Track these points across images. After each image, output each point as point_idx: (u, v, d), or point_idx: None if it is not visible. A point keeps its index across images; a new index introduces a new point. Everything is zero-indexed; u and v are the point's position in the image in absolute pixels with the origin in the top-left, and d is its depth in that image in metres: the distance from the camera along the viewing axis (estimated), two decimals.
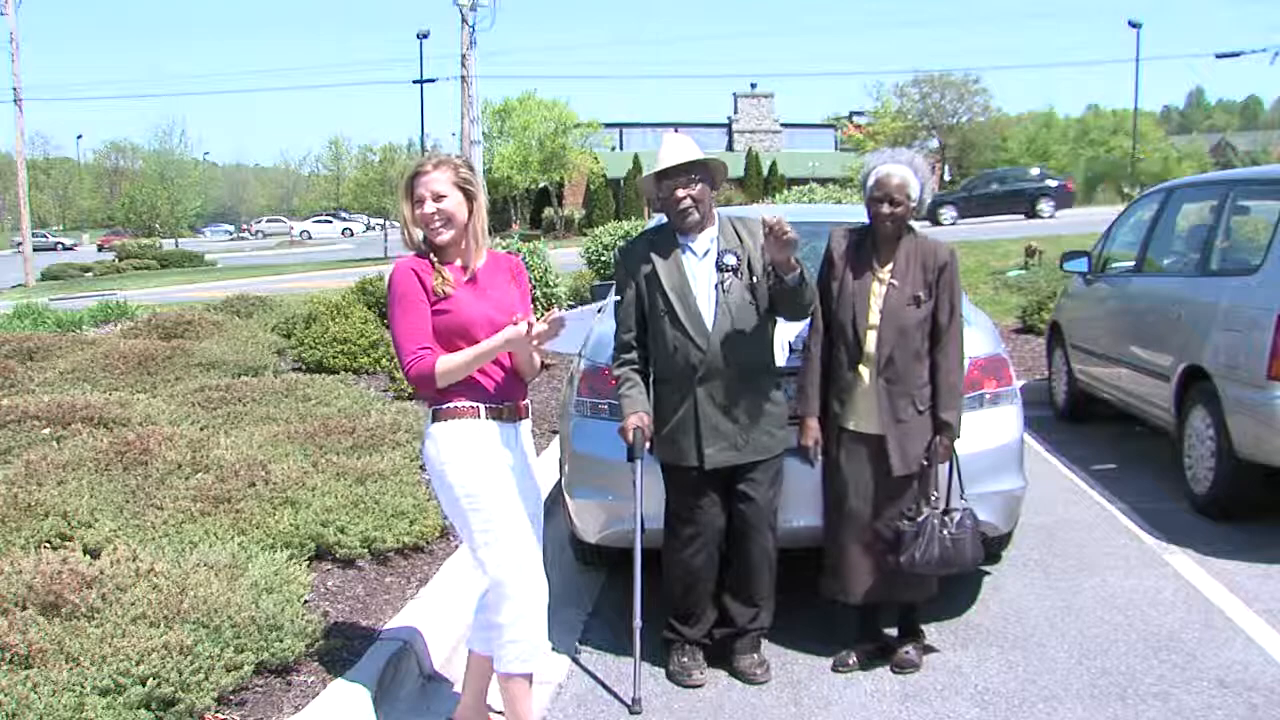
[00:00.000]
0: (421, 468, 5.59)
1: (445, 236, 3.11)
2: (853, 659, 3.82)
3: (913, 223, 3.78)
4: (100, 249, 51.51)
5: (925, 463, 3.70)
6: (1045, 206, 29.88)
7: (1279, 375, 4.80)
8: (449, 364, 3.08)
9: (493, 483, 3.12)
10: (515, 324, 3.06)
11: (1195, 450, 5.51)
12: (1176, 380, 5.68)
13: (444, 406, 3.14)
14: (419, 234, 3.17)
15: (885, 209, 3.66)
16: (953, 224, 28.22)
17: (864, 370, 3.70)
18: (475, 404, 3.13)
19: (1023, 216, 28.89)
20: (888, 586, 3.77)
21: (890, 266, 3.71)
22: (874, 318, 3.69)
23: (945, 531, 3.64)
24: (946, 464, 3.74)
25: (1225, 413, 5.15)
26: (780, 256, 3.49)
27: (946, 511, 3.69)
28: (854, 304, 3.70)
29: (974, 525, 3.71)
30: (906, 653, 3.82)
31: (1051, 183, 31.10)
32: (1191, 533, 5.19)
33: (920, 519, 3.64)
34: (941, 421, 3.69)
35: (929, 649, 3.93)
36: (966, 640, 4.04)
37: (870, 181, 3.70)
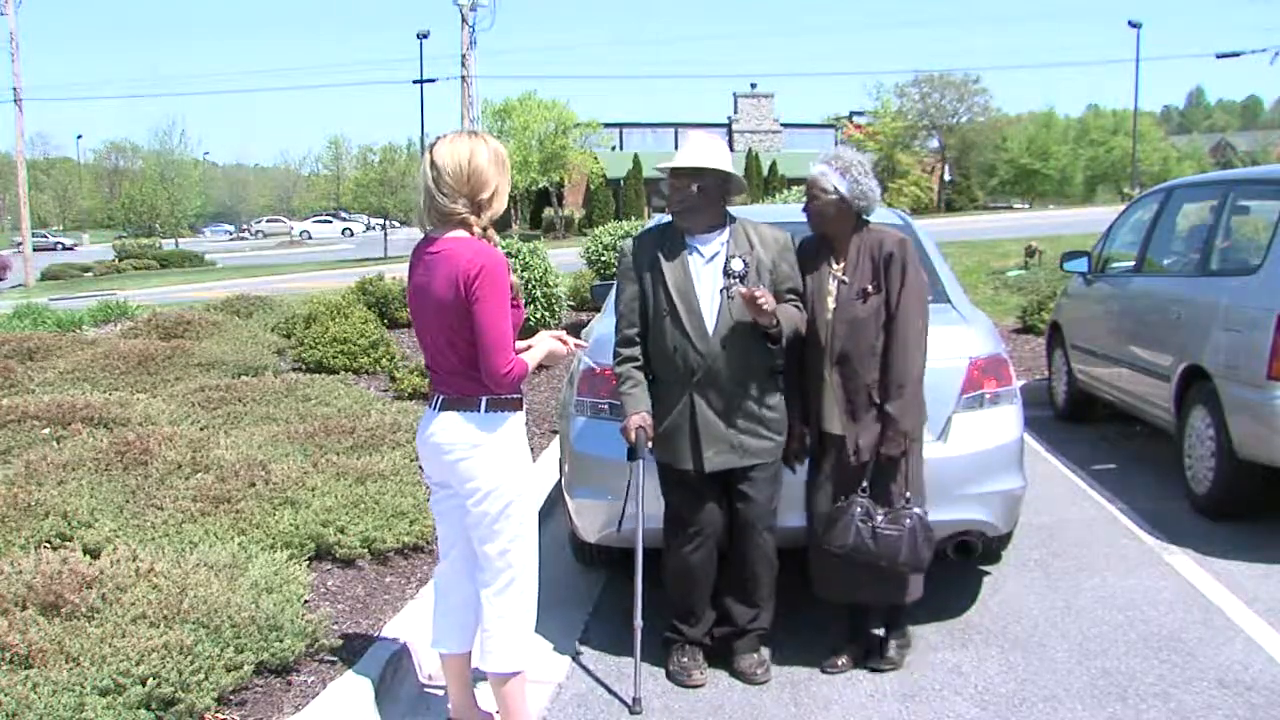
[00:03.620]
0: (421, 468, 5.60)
1: None
2: (842, 660, 3.82)
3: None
4: None
5: (877, 454, 3.62)
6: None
7: (1279, 375, 4.81)
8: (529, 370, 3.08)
9: (531, 477, 3.18)
10: (564, 343, 3.23)
11: (1195, 450, 5.51)
12: (1176, 380, 5.68)
13: (508, 398, 3.05)
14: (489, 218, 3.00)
15: (808, 202, 3.74)
16: None
17: (825, 367, 3.72)
18: (520, 396, 3.13)
19: None
20: (870, 587, 3.74)
21: (843, 263, 3.73)
22: (829, 314, 3.71)
23: (870, 523, 3.56)
24: (906, 460, 3.64)
25: (1225, 412, 5.15)
26: (761, 321, 3.53)
27: (890, 507, 3.60)
28: (814, 303, 3.73)
29: (918, 527, 3.58)
30: (888, 651, 3.82)
31: None
32: (1191, 533, 5.19)
33: (843, 504, 3.61)
34: (884, 414, 3.61)
35: (916, 639, 3.93)
36: (966, 640, 4.04)
37: None
